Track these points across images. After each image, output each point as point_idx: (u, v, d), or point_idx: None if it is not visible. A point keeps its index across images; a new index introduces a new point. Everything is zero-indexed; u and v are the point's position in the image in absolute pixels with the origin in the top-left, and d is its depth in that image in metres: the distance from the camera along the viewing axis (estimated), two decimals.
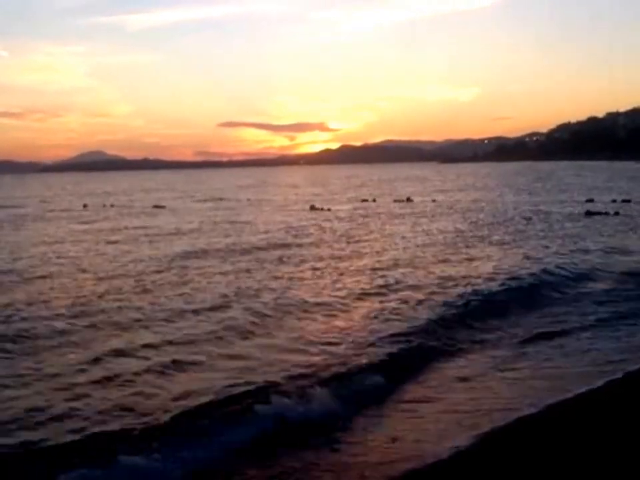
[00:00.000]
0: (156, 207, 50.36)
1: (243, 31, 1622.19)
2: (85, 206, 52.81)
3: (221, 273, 18.14)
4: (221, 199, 59.13)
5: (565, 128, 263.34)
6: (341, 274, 17.89)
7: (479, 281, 16.09)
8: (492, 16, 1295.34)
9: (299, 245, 24.62)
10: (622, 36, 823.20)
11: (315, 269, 18.85)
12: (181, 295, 15.09)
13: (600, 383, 8.82)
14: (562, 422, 7.49)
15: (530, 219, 33.18)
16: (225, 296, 14.79)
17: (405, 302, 13.93)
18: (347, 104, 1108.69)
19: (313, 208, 44.13)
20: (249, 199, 57.40)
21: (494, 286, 15.37)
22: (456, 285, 15.65)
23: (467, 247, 23.19)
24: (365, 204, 48.45)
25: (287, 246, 24.27)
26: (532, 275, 16.74)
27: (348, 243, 25.32)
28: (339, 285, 16.13)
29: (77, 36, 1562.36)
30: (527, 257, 20.14)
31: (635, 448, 6.64)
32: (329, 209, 42.88)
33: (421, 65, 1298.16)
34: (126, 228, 33.03)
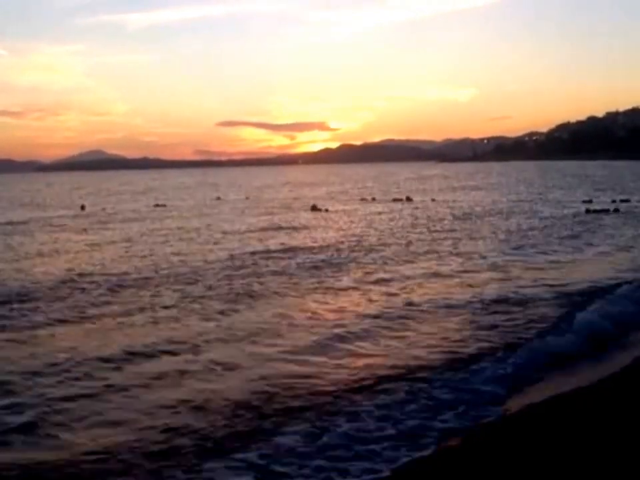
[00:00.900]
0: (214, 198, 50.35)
1: (243, 30, 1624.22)
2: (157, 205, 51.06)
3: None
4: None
5: (564, 127, 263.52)
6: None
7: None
8: (491, 15, 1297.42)
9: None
10: (621, 35, 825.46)
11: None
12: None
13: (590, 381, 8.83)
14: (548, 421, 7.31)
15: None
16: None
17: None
18: (346, 103, 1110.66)
19: (368, 198, 44.21)
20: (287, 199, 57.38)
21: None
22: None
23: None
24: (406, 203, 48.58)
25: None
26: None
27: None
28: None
29: (76, 35, 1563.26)
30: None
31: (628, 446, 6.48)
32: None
33: (420, 65, 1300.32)
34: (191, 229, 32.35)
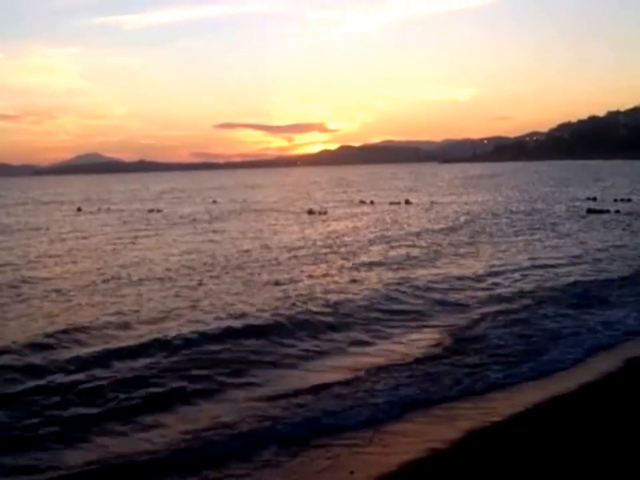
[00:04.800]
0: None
1: (240, 31, 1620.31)
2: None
3: None
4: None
5: (565, 127, 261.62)
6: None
7: None
8: (491, 15, 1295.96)
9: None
10: (622, 34, 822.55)
11: None
12: None
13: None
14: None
15: None
16: None
17: None
18: (345, 104, 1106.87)
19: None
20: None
21: None
22: None
23: None
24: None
25: None
26: None
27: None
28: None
29: (72, 37, 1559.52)
30: None
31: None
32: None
33: (420, 65, 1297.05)
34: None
